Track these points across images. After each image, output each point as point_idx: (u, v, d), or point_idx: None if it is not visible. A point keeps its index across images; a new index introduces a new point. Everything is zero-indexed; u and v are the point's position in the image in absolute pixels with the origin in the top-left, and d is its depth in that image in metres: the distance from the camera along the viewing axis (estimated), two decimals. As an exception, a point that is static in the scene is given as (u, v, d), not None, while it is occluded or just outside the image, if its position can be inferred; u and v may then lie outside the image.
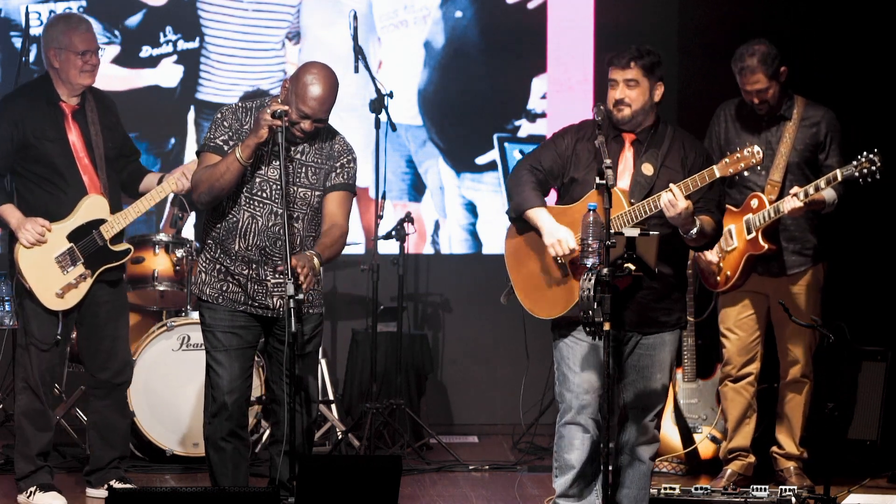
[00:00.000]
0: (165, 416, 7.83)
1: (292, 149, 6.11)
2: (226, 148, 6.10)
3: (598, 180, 5.71)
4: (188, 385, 7.74)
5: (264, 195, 6.10)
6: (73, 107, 7.00)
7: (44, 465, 7.03)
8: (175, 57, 9.08)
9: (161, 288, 8.00)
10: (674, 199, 5.79)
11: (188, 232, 8.36)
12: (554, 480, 6.14)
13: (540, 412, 8.51)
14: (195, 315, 7.31)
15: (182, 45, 9.08)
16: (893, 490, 7.47)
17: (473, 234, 9.32)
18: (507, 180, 6.18)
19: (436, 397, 9.18)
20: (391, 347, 8.44)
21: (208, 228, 6.22)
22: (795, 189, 7.18)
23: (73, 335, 7.19)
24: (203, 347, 6.27)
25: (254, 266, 6.13)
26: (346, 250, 8.89)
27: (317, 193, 6.16)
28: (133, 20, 9.04)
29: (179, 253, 7.96)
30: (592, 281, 5.61)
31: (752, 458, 7.58)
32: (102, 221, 6.98)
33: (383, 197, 8.22)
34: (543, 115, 9.29)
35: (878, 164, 6.99)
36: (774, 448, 7.58)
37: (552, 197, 6.21)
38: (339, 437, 8.18)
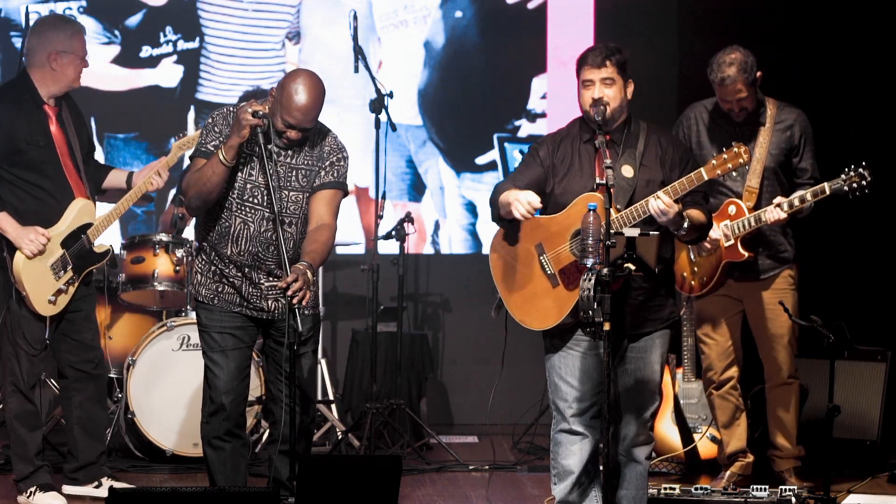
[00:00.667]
0: (165, 416, 7.83)
1: (282, 153, 6.06)
2: None
3: (598, 180, 5.71)
4: (188, 385, 7.73)
5: (255, 201, 6.06)
6: (55, 109, 6.99)
7: (42, 464, 7.03)
8: (175, 57, 9.08)
9: (161, 288, 8.00)
10: (664, 208, 5.76)
11: (189, 232, 8.35)
12: (553, 487, 6.13)
13: (540, 412, 8.51)
14: (195, 315, 7.31)
15: (182, 45, 9.08)
16: (893, 490, 7.47)
17: (473, 234, 9.32)
18: (490, 197, 6.07)
19: (436, 397, 9.18)
20: (391, 347, 8.44)
21: (203, 231, 6.20)
22: (779, 199, 7.09)
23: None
24: (203, 348, 6.28)
25: (247, 270, 6.11)
26: (347, 250, 9.00)
27: (307, 196, 6.12)
28: (133, 20, 9.04)
29: (179, 253, 7.96)
30: (592, 281, 5.60)
31: (750, 458, 7.56)
32: (90, 226, 6.98)
33: (383, 197, 8.21)
34: (543, 115, 9.28)
35: (868, 178, 6.89)
36: (772, 450, 7.56)
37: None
38: (339, 437, 8.18)
